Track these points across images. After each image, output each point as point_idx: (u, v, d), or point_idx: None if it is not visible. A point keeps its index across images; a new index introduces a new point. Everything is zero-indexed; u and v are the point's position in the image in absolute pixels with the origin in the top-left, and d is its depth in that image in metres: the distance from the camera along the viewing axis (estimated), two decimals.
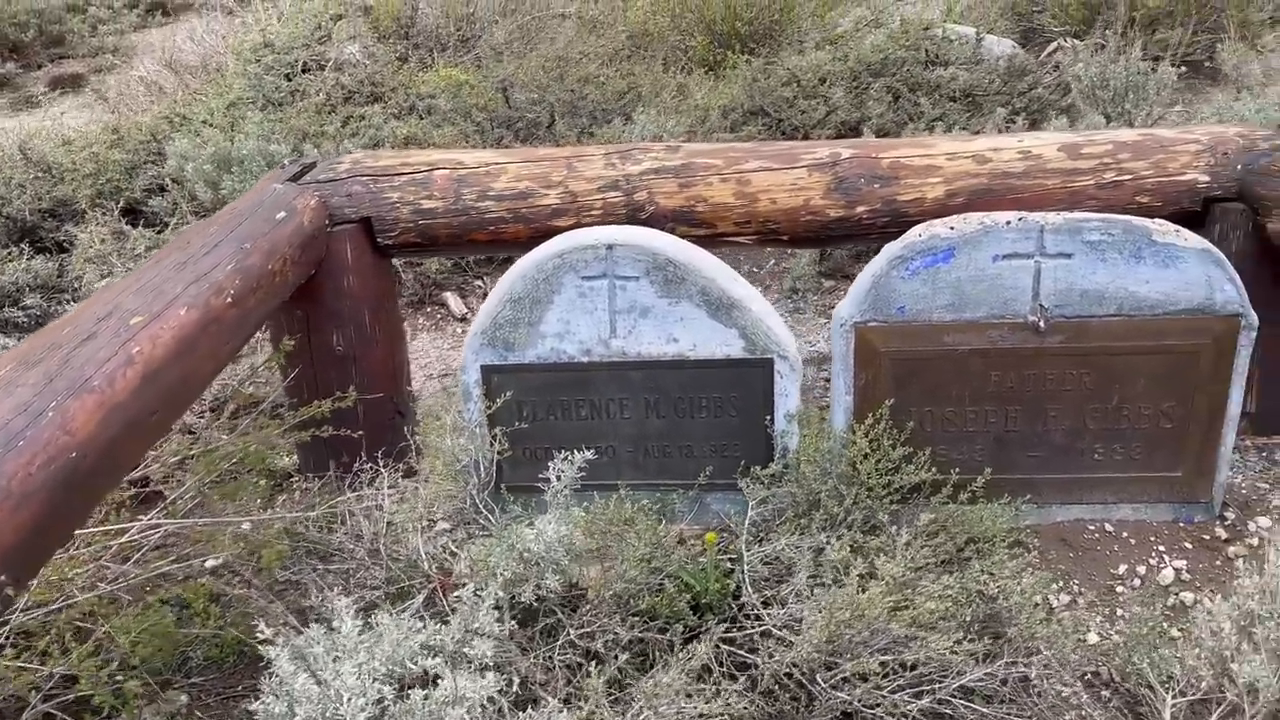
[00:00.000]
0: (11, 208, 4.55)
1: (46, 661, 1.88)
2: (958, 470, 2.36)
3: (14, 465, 1.30)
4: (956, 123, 4.86)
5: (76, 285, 4.08)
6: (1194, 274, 2.19)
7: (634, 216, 2.84)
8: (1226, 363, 2.26)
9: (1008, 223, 2.21)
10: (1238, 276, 2.22)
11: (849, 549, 2.21)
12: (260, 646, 1.68)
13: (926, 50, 5.52)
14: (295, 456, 3.08)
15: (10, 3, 10.74)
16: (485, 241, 2.83)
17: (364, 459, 2.61)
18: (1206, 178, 2.68)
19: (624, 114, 4.97)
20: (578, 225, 2.80)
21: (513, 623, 1.99)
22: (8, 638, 1.89)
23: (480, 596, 1.93)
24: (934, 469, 2.31)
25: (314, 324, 2.78)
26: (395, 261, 4.16)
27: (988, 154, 2.73)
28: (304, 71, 5.70)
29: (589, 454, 2.24)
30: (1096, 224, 2.18)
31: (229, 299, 2.11)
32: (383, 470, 2.43)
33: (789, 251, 4.42)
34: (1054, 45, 6.38)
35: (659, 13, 6.57)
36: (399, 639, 1.82)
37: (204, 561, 2.58)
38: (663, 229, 2.81)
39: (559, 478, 2.20)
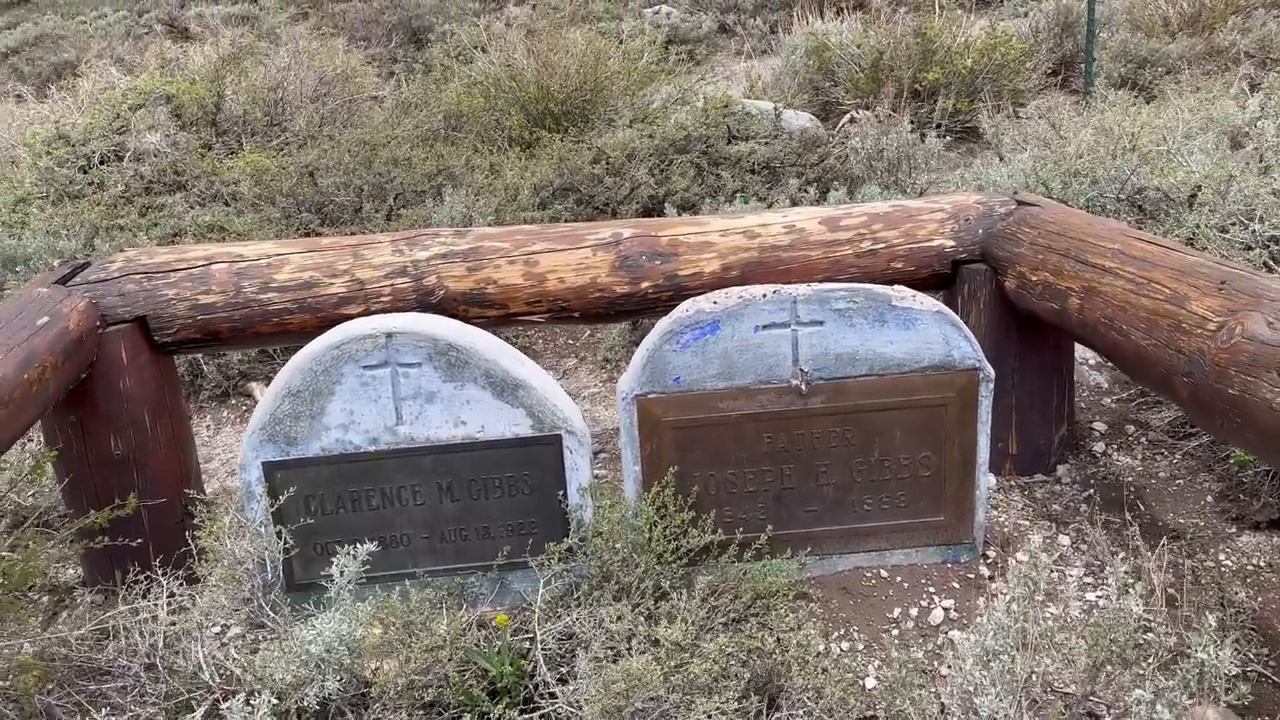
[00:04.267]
0: None
1: None
2: (742, 530, 2.47)
3: None
4: (756, 193, 5.13)
5: None
6: (932, 334, 2.39)
7: (425, 301, 2.87)
8: (971, 412, 2.46)
9: (764, 296, 2.36)
10: (971, 334, 2.42)
11: (642, 617, 2.26)
12: None
13: (728, 126, 5.82)
14: (82, 569, 2.92)
15: None
16: (271, 333, 2.80)
17: (148, 567, 2.51)
18: (952, 243, 2.93)
19: (435, 194, 5.01)
20: (367, 312, 2.81)
21: None
22: None
23: (253, 706, 1.88)
24: (720, 530, 2.40)
25: (89, 429, 2.66)
26: (198, 356, 4.03)
27: (756, 229, 2.91)
28: (102, 163, 5.51)
29: (373, 546, 2.24)
30: (842, 293, 2.35)
31: None
32: (160, 579, 2.34)
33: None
34: (847, 116, 6.85)
35: (473, 93, 6.69)
36: None
37: None
38: (455, 312, 2.86)
39: (341, 573, 2.18)
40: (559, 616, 2.31)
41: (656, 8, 11.82)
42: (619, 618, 2.14)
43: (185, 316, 2.69)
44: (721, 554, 2.42)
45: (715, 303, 2.38)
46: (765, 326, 2.38)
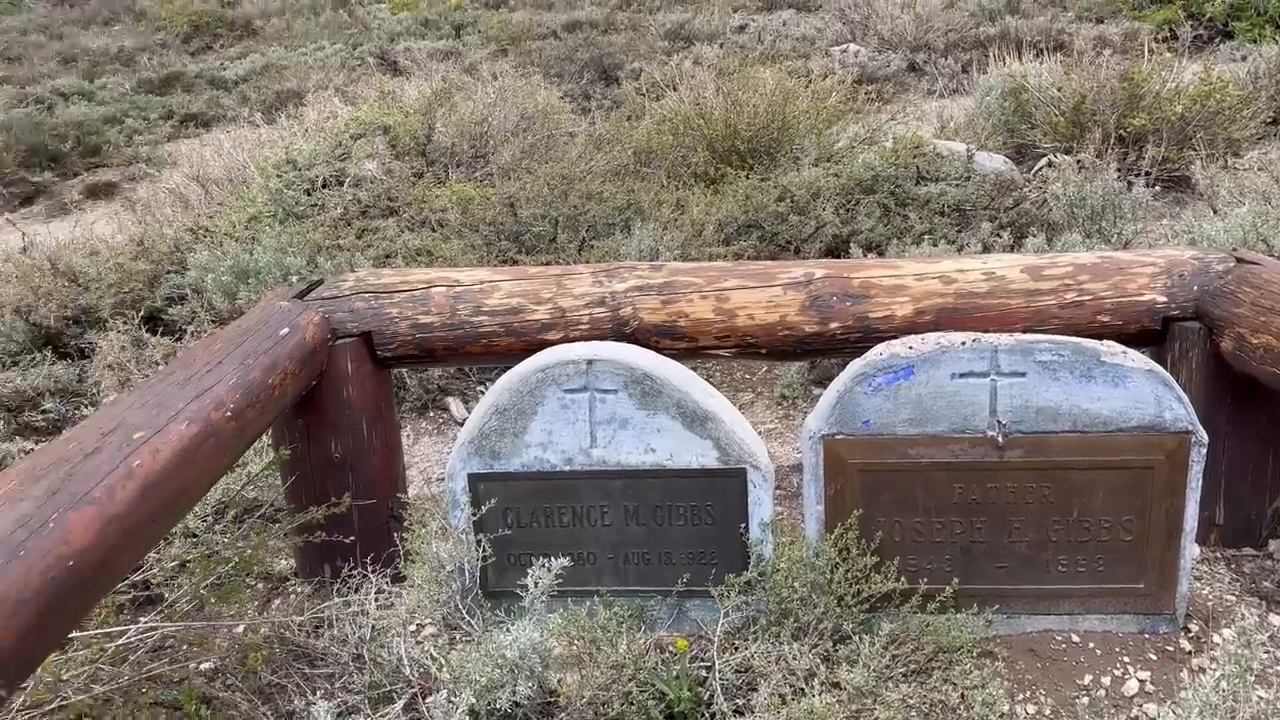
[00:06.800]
0: (38, 314, 4.78)
1: None
2: (926, 580, 2.43)
3: (15, 574, 1.42)
4: (944, 236, 5.05)
5: (94, 391, 4.25)
6: (1143, 393, 2.30)
7: (619, 331, 2.99)
8: (1180, 477, 2.35)
9: (963, 343, 2.34)
10: (1185, 395, 2.32)
11: (820, 658, 2.28)
12: None
13: (918, 167, 5.76)
14: (294, 560, 3.17)
15: (52, 115, 11.34)
16: (479, 353, 2.98)
17: (357, 563, 2.71)
18: (1164, 298, 2.81)
19: (624, 227, 5.19)
20: (566, 339, 2.96)
21: None
22: None
23: (453, 703, 2.01)
24: (903, 578, 2.39)
25: (314, 433, 2.91)
26: (403, 370, 4.32)
27: (954, 275, 2.88)
28: (324, 187, 6.00)
29: (565, 561, 2.35)
30: (1047, 345, 2.30)
31: (228, 413, 2.24)
32: (370, 575, 2.53)
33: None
34: (1044, 160, 6.63)
35: (663, 130, 6.89)
36: None
37: (199, 664, 2.66)
38: (647, 343, 2.96)
39: (535, 584, 2.29)
40: (737, 648, 2.35)
41: (844, 46, 11.80)
42: (801, 656, 2.16)
43: (406, 334, 2.91)
44: (904, 603, 2.40)
45: (911, 347, 2.37)
46: (963, 374, 2.36)
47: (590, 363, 2.51)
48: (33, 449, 3.64)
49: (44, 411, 4.17)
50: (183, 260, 5.26)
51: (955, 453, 2.41)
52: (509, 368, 2.62)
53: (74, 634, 2.23)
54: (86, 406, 4.21)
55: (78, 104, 12.13)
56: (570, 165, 5.75)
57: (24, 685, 1.99)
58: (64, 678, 2.14)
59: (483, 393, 4.52)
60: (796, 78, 7.91)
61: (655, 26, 13.74)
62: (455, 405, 4.35)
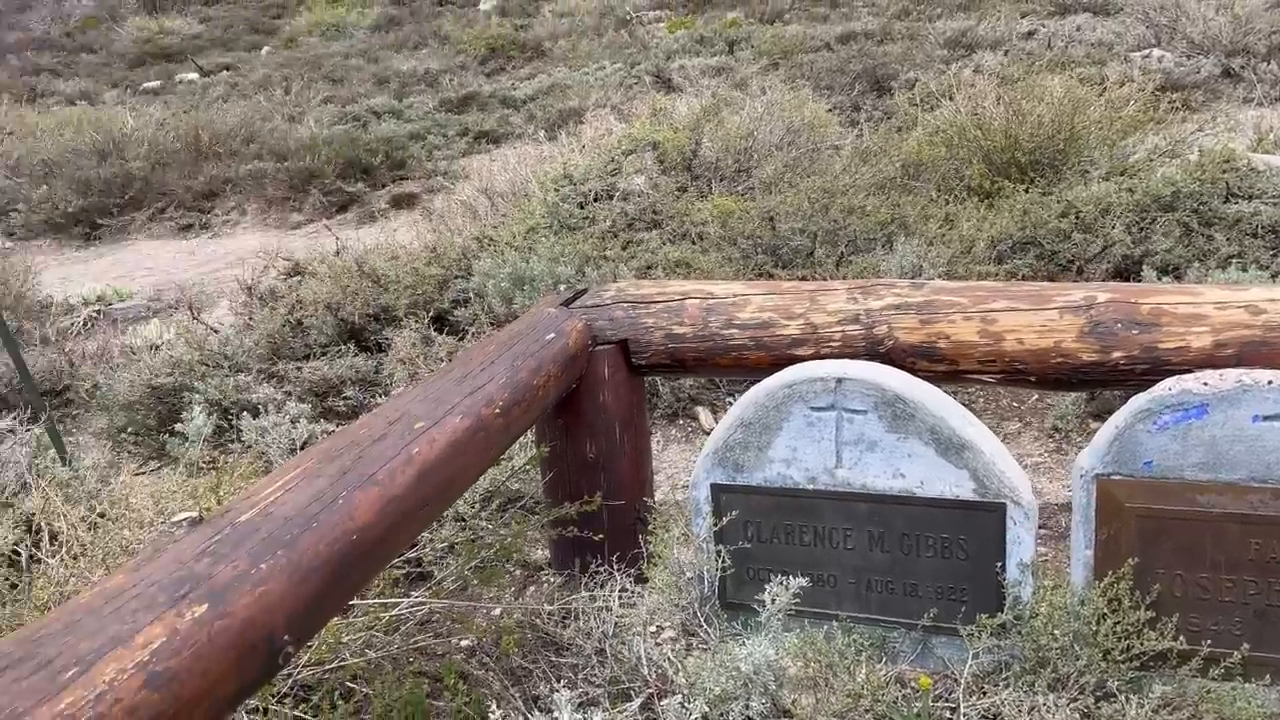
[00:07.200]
0: (345, 311, 5.35)
1: (318, 715, 2.20)
2: (1210, 642, 2.19)
3: (307, 543, 1.60)
4: (1256, 261, 4.51)
5: (388, 382, 4.70)
6: None
7: (873, 350, 2.91)
8: None
9: (1269, 382, 2.08)
10: None
11: (1077, 714, 2.10)
12: None
13: (1227, 183, 5.18)
14: (548, 551, 3.35)
15: (366, 131, 12.69)
16: (727, 366, 3.01)
17: (604, 561, 2.82)
18: None
19: (885, 243, 5.05)
20: (817, 355, 2.92)
21: None
22: (291, 688, 2.23)
23: (687, 709, 2.04)
24: (1181, 638, 2.16)
25: (571, 433, 3.06)
26: (656, 378, 4.44)
27: (1263, 304, 2.56)
28: (595, 200, 6.30)
29: (803, 581, 2.32)
30: None
31: (497, 410, 2.41)
32: (615, 574, 2.62)
33: None
34: None
35: (935, 142, 6.63)
36: None
37: (459, 640, 2.87)
38: (902, 364, 2.86)
39: (773, 601, 2.28)
40: (985, 693, 2.22)
41: (1147, 51, 10.83)
42: (1060, 712, 2.00)
43: (659, 344, 3.00)
44: (1181, 665, 2.16)
45: (1206, 384, 2.14)
46: (1267, 417, 2.09)
47: (839, 381, 2.47)
48: (332, 431, 4.09)
49: (345, 398, 4.67)
50: (469, 267, 5.69)
51: (1254, 504, 2.15)
52: (757, 381, 2.63)
53: (353, 602, 2.47)
54: (380, 395, 4.66)
55: (388, 121, 13.45)
56: (833, 179, 5.68)
57: (309, 644, 2.24)
58: (343, 640, 2.38)
59: (731, 404, 4.55)
60: (1089, 85, 7.35)
61: (934, 35, 13.25)
62: (704, 415, 4.42)
